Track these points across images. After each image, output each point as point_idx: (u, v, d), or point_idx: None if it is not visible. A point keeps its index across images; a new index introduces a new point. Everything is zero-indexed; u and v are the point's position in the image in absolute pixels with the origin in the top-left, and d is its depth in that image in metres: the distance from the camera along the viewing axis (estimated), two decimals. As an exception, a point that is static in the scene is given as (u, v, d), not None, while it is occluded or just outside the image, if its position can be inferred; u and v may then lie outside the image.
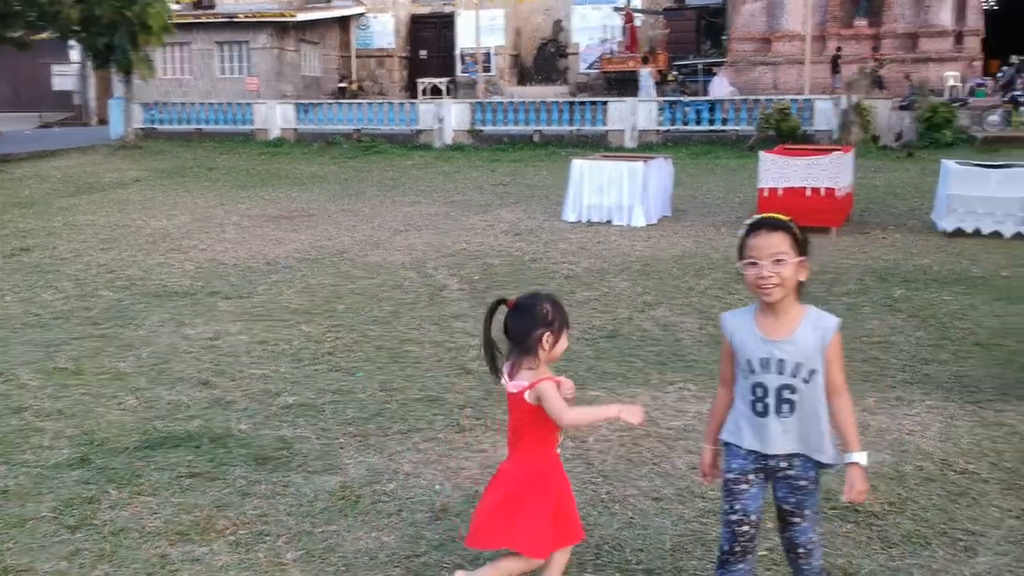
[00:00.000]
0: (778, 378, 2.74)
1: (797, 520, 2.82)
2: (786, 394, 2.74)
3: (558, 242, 11.46)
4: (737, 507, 2.84)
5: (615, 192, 12.91)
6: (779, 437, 2.77)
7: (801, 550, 2.85)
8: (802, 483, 2.81)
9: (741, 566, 2.89)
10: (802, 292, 2.83)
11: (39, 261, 10.50)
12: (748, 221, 2.84)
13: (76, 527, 3.96)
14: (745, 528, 2.84)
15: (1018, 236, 11.18)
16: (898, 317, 7.53)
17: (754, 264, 2.75)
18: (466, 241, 11.57)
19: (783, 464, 2.80)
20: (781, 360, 2.74)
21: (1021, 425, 5.04)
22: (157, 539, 3.82)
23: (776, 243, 2.73)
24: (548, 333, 2.95)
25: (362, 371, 6.17)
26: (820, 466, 2.82)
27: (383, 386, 5.86)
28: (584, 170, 13.15)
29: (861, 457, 2.78)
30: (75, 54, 34.36)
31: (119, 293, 8.77)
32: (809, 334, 2.75)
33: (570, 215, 13.14)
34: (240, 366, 6.34)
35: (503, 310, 3.04)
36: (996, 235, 11.30)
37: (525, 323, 2.97)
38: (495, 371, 3.07)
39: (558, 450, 3.11)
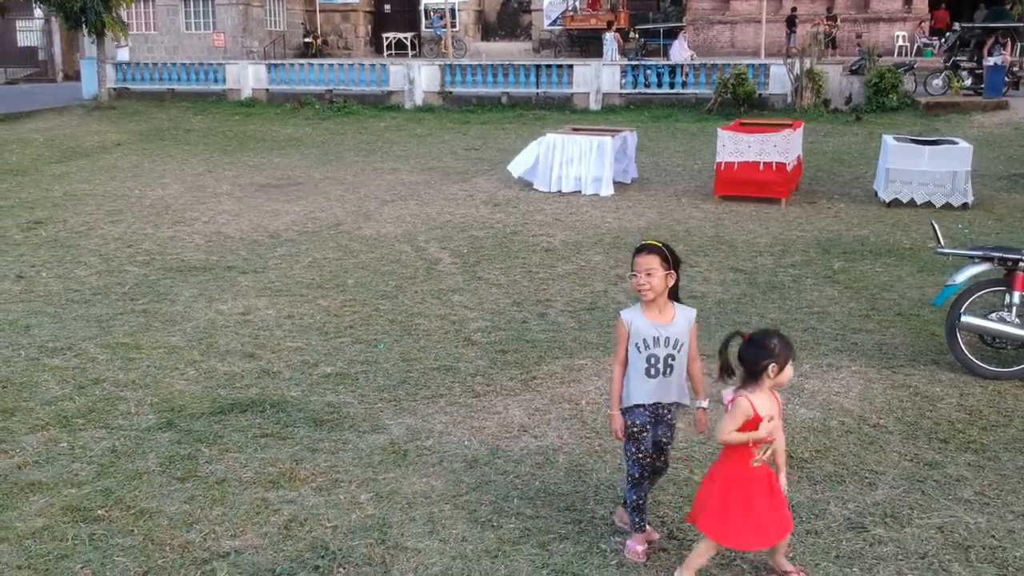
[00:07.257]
0: (665, 349, 4.11)
1: (669, 447, 4.36)
2: (670, 360, 4.12)
3: (534, 213, 12.54)
4: (642, 448, 4.23)
5: (585, 164, 13.99)
6: (666, 390, 4.16)
7: (664, 458, 4.36)
8: (674, 422, 4.30)
9: (645, 484, 4.31)
10: (676, 291, 4.14)
11: (56, 235, 11.35)
12: (637, 246, 4.19)
13: (184, 478, 5.02)
14: (647, 460, 4.25)
15: (947, 206, 12.50)
16: (836, 288, 8.75)
17: (634, 276, 4.07)
18: (450, 212, 12.60)
19: (666, 411, 4.22)
20: (667, 337, 4.10)
21: (923, 386, 6.29)
22: (254, 487, 4.91)
23: (649, 262, 4.02)
24: (773, 364, 3.73)
25: (383, 343, 7.25)
26: (681, 407, 4.27)
27: (403, 357, 6.94)
28: (555, 143, 14.20)
29: (705, 403, 4.29)
30: (39, 10, 34.29)
31: (144, 268, 9.70)
32: (681, 320, 4.14)
33: (542, 185, 14.21)
34: (276, 339, 7.38)
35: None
36: (928, 205, 12.60)
37: (755, 354, 3.76)
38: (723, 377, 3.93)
39: (754, 463, 3.80)
